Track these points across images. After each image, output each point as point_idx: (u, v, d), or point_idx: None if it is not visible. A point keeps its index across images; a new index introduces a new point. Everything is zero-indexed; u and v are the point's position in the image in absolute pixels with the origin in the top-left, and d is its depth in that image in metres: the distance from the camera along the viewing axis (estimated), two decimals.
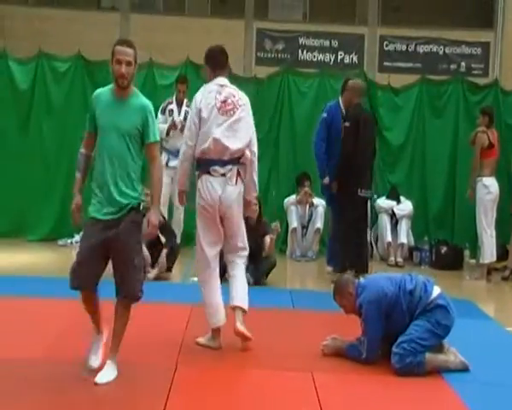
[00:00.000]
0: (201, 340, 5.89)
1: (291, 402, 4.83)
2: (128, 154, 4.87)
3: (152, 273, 8.46)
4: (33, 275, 8.44)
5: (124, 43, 4.93)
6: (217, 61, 6.04)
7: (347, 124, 8.84)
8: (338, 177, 8.98)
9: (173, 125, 9.58)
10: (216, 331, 5.88)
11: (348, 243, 8.91)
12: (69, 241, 10.53)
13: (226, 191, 5.79)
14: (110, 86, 4.98)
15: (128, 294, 4.87)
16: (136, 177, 4.92)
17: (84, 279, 4.85)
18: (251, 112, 6.03)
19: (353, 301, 5.68)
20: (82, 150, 5.03)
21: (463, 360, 5.57)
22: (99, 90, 5.05)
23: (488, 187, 9.70)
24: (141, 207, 4.96)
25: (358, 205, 8.86)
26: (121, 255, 4.85)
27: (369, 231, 9.45)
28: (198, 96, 5.94)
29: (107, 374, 4.83)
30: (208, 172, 5.77)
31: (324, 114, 9.16)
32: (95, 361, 4.99)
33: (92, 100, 5.00)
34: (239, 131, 5.84)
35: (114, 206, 4.82)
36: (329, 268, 9.21)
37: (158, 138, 5.05)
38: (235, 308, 5.92)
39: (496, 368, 5.74)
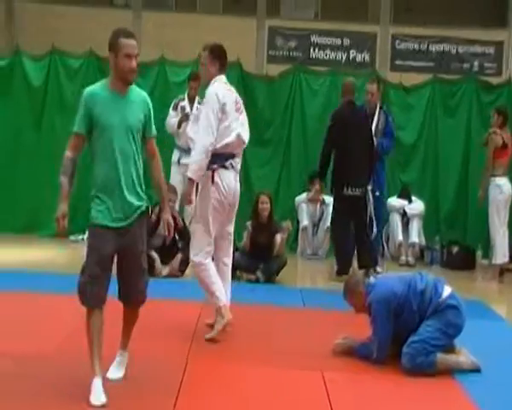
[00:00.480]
0: (211, 334, 5.95)
1: (301, 401, 4.83)
2: (136, 152, 4.61)
3: (164, 271, 8.49)
4: (45, 270, 8.47)
5: (129, 35, 4.57)
6: (225, 61, 6.17)
7: (329, 123, 9.01)
8: (320, 177, 9.44)
9: (185, 117, 9.52)
10: (223, 308, 5.99)
11: (336, 241, 9.20)
12: (80, 237, 10.55)
13: (237, 184, 6.13)
14: (103, 82, 4.67)
15: (137, 300, 4.73)
16: (141, 176, 4.69)
17: (97, 296, 4.51)
18: None
19: (363, 300, 5.67)
20: (69, 154, 4.59)
21: (475, 361, 5.56)
22: (91, 88, 4.61)
23: (501, 187, 9.67)
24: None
25: (346, 204, 8.83)
26: (132, 262, 4.65)
27: (374, 230, 9.36)
28: (218, 91, 5.98)
29: (118, 370, 4.82)
30: (224, 166, 5.92)
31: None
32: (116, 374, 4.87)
33: (86, 99, 4.53)
34: (246, 128, 6.15)
35: (127, 210, 4.54)
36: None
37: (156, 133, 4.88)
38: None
39: (507, 369, 5.73)
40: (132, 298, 4.71)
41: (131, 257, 4.62)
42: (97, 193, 4.55)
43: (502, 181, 9.69)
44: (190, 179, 5.99)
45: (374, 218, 9.35)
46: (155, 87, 10.92)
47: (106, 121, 4.48)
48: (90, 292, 4.48)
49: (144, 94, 4.75)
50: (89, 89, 4.60)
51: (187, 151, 8.78)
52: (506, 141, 9.69)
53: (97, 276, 4.48)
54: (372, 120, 9.50)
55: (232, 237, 6.38)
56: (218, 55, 6.10)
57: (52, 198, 10.70)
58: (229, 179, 6.02)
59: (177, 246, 8.59)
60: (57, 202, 4.65)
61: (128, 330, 4.87)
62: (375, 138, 9.24)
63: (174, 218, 8.69)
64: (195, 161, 5.93)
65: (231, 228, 6.31)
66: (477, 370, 5.52)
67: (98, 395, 4.47)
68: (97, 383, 4.51)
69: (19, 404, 4.50)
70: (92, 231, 4.56)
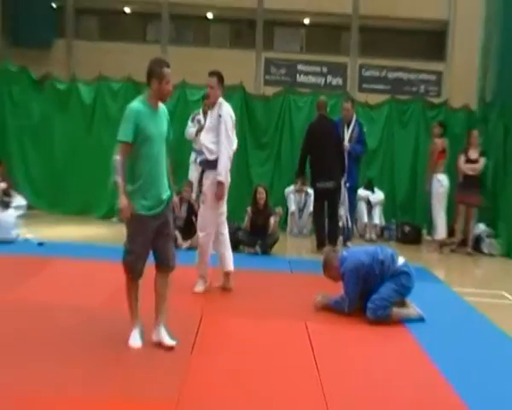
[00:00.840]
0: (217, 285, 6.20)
1: (289, 344, 4.86)
2: (165, 155, 4.58)
3: (185, 244, 8.48)
4: (95, 243, 8.53)
5: (169, 65, 4.51)
6: (224, 85, 6.18)
7: (305, 133, 9.13)
8: (298, 175, 9.60)
9: (200, 128, 9.48)
10: (229, 273, 6.23)
11: (314, 222, 9.34)
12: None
13: None
14: (141, 99, 4.51)
15: (171, 266, 4.61)
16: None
17: (141, 270, 4.51)
18: None
19: (338, 271, 5.69)
20: (120, 158, 4.35)
21: (420, 312, 5.63)
22: (136, 106, 4.42)
23: (441, 181, 9.72)
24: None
25: (320, 194, 8.91)
26: (166, 238, 4.58)
27: (343, 211, 9.34)
28: (231, 112, 6.12)
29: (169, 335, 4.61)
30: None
31: (307, 126, 9.39)
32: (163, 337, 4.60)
33: (134, 114, 4.37)
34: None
35: (161, 201, 4.49)
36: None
37: None
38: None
39: (444, 318, 5.80)
40: (168, 263, 4.61)
41: (166, 234, 4.58)
42: (139, 189, 4.42)
43: (441, 177, 9.73)
44: (222, 183, 5.95)
45: (347, 205, 9.37)
46: (177, 104, 10.92)
47: (149, 132, 4.40)
48: (136, 268, 4.48)
49: (164, 107, 4.64)
50: (134, 106, 4.42)
51: (202, 153, 8.72)
52: (444, 147, 9.74)
53: (141, 255, 4.48)
54: (348, 129, 9.35)
55: (226, 215, 6.35)
56: (222, 80, 6.10)
57: (100, 188, 10.83)
58: (229, 175, 6.11)
59: (194, 226, 8.58)
60: (118, 197, 4.40)
61: (166, 297, 4.64)
62: (349, 144, 9.14)
63: (191, 204, 8.74)
64: (224, 168, 5.93)
65: (225, 208, 6.30)
66: (422, 319, 5.59)
67: (135, 340, 4.53)
68: (135, 331, 4.57)
69: (74, 342, 4.58)
70: (136, 219, 4.40)
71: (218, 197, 6.00)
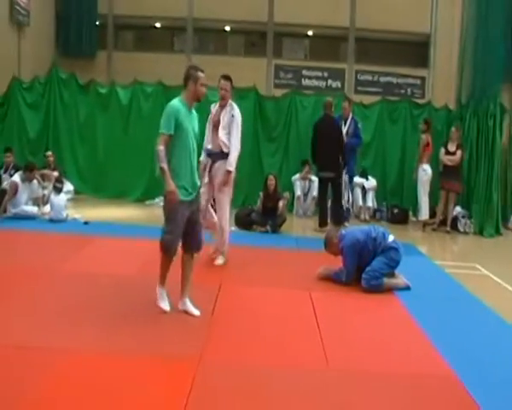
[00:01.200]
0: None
1: (295, 311, 4.82)
2: (196, 148, 4.51)
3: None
4: (130, 223, 8.51)
5: (203, 70, 4.47)
6: None
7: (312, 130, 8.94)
8: (313, 162, 9.24)
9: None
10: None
11: (318, 205, 9.20)
12: (153, 201, 10.50)
13: None
14: (179, 99, 4.42)
15: (199, 247, 4.55)
16: None
17: (175, 250, 4.40)
18: None
19: (337, 246, 5.63)
20: (162, 148, 4.23)
21: (407, 282, 5.58)
22: (176, 103, 4.35)
23: (426, 170, 9.61)
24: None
25: (322, 181, 8.89)
26: (197, 221, 4.49)
27: (345, 198, 9.32)
28: (240, 113, 6.03)
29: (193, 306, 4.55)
30: None
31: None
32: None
33: (175, 110, 4.29)
34: None
35: (195, 187, 4.42)
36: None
37: None
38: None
39: (428, 287, 5.76)
40: (199, 247, 4.55)
41: (197, 218, 4.50)
42: (177, 176, 4.29)
43: (426, 166, 9.62)
44: (231, 172, 5.87)
45: (348, 191, 9.46)
46: (201, 104, 10.69)
47: (185, 126, 4.33)
48: (172, 247, 4.38)
49: (195, 112, 4.60)
50: (174, 104, 4.34)
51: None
52: (429, 141, 9.62)
53: (178, 236, 4.38)
54: (345, 125, 9.39)
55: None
56: (233, 85, 6.07)
57: (134, 176, 10.82)
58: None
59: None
60: (165, 183, 4.25)
61: (188, 279, 4.54)
62: (346, 137, 9.09)
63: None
64: (234, 160, 5.89)
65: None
66: (408, 288, 5.54)
67: (163, 299, 4.51)
68: (162, 291, 4.52)
69: (112, 303, 4.59)
70: (176, 204, 4.28)
71: (225, 183, 5.90)
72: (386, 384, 3.49)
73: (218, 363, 3.62)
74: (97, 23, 16.25)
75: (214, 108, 6.15)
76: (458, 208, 9.87)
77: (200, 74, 4.43)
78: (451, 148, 9.54)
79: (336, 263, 5.69)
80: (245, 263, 6.21)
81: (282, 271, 6.06)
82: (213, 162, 6.01)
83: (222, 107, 6.06)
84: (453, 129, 9.78)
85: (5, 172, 9.45)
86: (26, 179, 8.43)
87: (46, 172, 9.82)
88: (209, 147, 6.05)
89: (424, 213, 9.66)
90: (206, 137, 6.10)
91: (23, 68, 13.43)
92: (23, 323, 4.11)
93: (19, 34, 13.77)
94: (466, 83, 10.51)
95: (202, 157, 6.03)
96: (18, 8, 13.43)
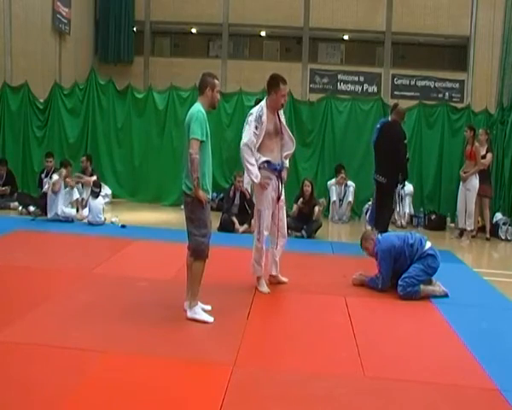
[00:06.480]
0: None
1: (330, 315, 4.80)
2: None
3: (241, 229, 8.48)
4: (165, 227, 8.59)
5: (217, 77, 4.52)
6: None
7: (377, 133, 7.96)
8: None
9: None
10: None
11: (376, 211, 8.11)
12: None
13: None
14: (200, 105, 4.42)
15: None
16: None
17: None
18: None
19: (373, 247, 5.57)
20: (198, 157, 4.25)
21: (445, 290, 5.49)
22: (202, 110, 4.37)
23: (477, 178, 9.07)
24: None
25: (377, 185, 7.99)
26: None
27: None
28: None
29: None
30: None
31: (378, 125, 8.10)
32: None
33: (203, 117, 4.33)
34: None
35: (213, 189, 4.42)
36: (369, 226, 8.44)
37: None
38: None
39: (466, 295, 5.64)
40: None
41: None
42: (203, 178, 4.33)
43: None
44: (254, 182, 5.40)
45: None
46: (236, 109, 10.88)
47: (207, 132, 4.37)
48: (208, 249, 4.40)
49: None
50: (202, 111, 4.35)
51: None
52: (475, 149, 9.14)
53: (210, 236, 4.43)
54: None
55: None
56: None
57: (170, 181, 10.93)
58: None
59: (248, 211, 8.57)
60: (195, 191, 4.26)
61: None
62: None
63: (243, 192, 8.69)
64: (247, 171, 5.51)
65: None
66: (446, 296, 5.45)
67: (206, 315, 4.43)
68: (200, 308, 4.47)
69: (148, 307, 4.63)
70: (206, 208, 4.35)
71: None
72: (424, 394, 3.43)
73: (253, 369, 3.63)
74: (134, 30, 16.59)
75: (263, 113, 5.18)
76: (499, 215, 9.64)
77: (216, 81, 4.47)
78: (481, 151, 9.19)
79: (372, 270, 5.63)
80: (280, 267, 6.19)
81: (317, 276, 6.04)
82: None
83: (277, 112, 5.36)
84: (481, 131, 9.36)
85: (46, 176, 9.69)
86: (63, 180, 8.69)
87: (82, 176, 9.97)
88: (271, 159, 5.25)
89: (474, 222, 9.19)
90: (255, 146, 5.17)
91: (64, 75, 13.83)
92: (61, 323, 4.20)
93: (60, 42, 14.22)
94: (508, 86, 10.26)
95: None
96: (60, 17, 13.88)
